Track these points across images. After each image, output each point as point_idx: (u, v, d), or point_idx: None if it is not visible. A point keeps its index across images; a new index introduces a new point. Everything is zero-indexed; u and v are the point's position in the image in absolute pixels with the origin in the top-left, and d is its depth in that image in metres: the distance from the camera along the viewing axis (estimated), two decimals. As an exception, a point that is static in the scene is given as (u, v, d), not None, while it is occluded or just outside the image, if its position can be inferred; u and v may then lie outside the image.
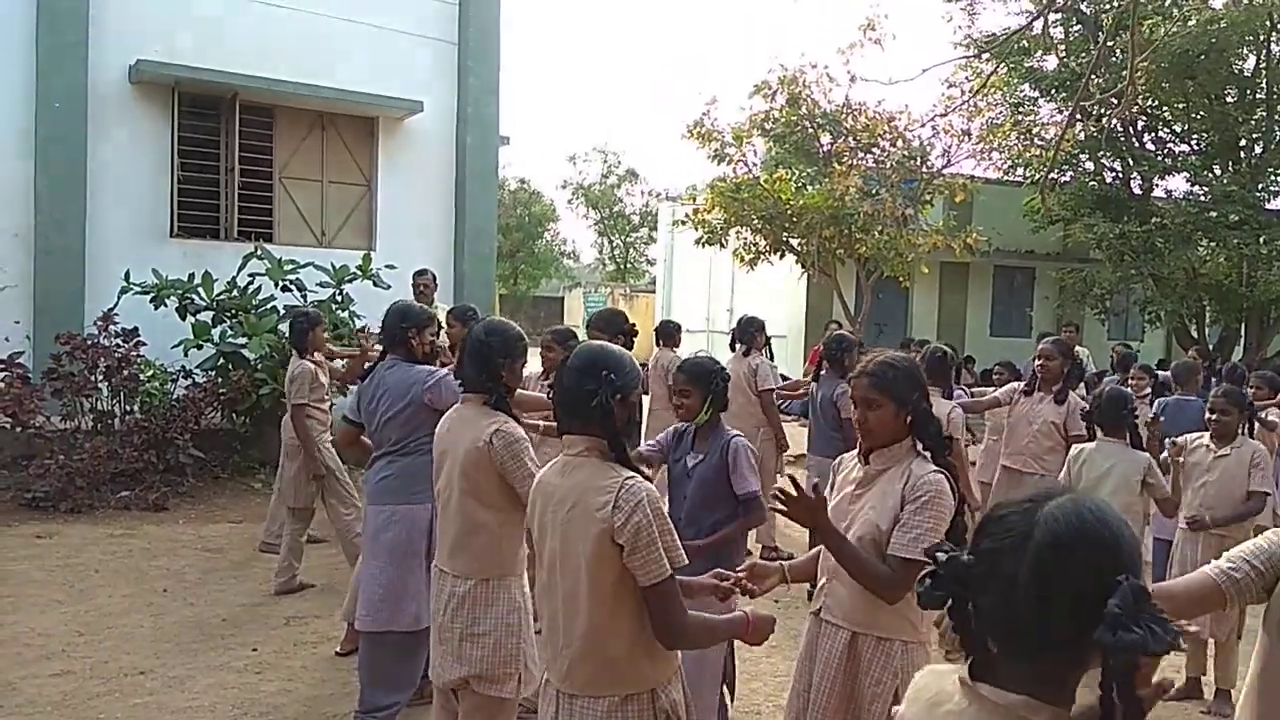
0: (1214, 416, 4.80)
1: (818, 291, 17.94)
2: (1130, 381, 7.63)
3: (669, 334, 8.29)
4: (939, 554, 1.31)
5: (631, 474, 2.23)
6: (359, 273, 9.07)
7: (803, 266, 14.88)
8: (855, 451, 2.81)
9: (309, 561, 6.18)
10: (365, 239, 10.66)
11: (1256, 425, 5.52)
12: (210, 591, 5.86)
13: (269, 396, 8.23)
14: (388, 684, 4.00)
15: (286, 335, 7.72)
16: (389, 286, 8.78)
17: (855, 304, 15.50)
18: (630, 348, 4.93)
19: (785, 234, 13.87)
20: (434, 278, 8.01)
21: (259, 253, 8.90)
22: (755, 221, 13.68)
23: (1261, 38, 15.22)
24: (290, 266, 8.89)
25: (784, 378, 13.83)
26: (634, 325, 5.24)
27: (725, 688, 3.56)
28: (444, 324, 6.61)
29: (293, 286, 8.87)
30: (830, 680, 2.63)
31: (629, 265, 42.87)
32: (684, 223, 15.01)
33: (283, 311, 8.64)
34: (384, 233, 10.68)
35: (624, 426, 2.33)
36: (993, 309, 20.64)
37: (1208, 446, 4.83)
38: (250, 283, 8.79)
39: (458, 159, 11.09)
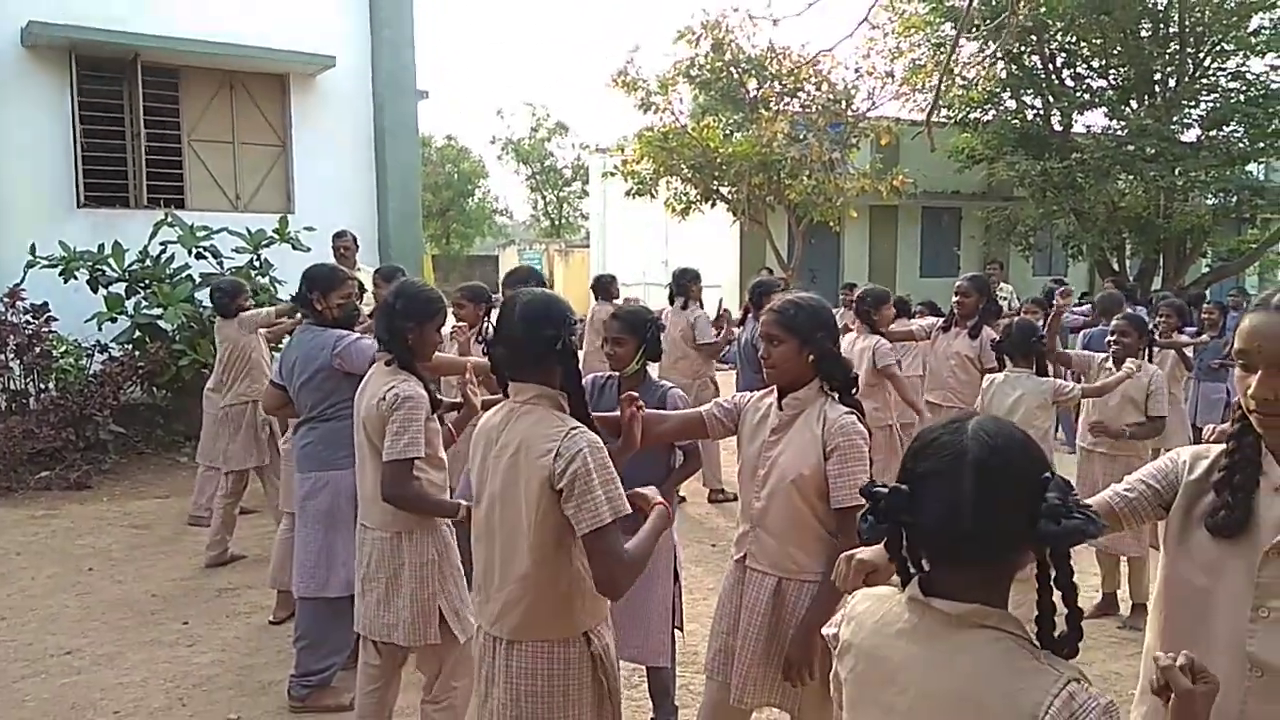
0: (1113, 339, 4.97)
1: (751, 240, 18.02)
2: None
3: (604, 287, 8.26)
4: (876, 490, 1.36)
5: (577, 424, 2.23)
6: (276, 236, 8.82)
7: (734, 215, 14.92)
8: (759, 394, 2.83)
9: (240, 532, 6.08)
10: (282, 201, 10.36)
11: (1160, 351, 5.72)
12: (138, 568, 5.73)
13: (189, 368, 8.01)
14: (323, 649, 3.98)
15: (205, 305, 7.51)
16: (309, 249, 8.55)
17: (788, 251, 15.59)
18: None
19: (715, 182, 13.87)
20: (354, 239, 7.83)
21: (170, 220, 8.59)
22: (685, 171, 13.65)
23: (1174, -28, 15.50)
24: (204, 233, 8.60)
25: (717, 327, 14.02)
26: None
27: (675, 629, 3.59)
28: (372, 285, 6.49)
29: (207, 254, 8.60)
30: (758, 626, 2.67)
31: (563, 221, 42.48)
32: (613, 174, 14.89)
33: (198, 280, 8.38)
34: (302, 194, 10.38)
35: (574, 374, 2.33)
36: (922, 250, 20.98)
37: (1108, 370, 4.99)
38: (163, 251, 8.49)
39: (375, 115, 10.79)
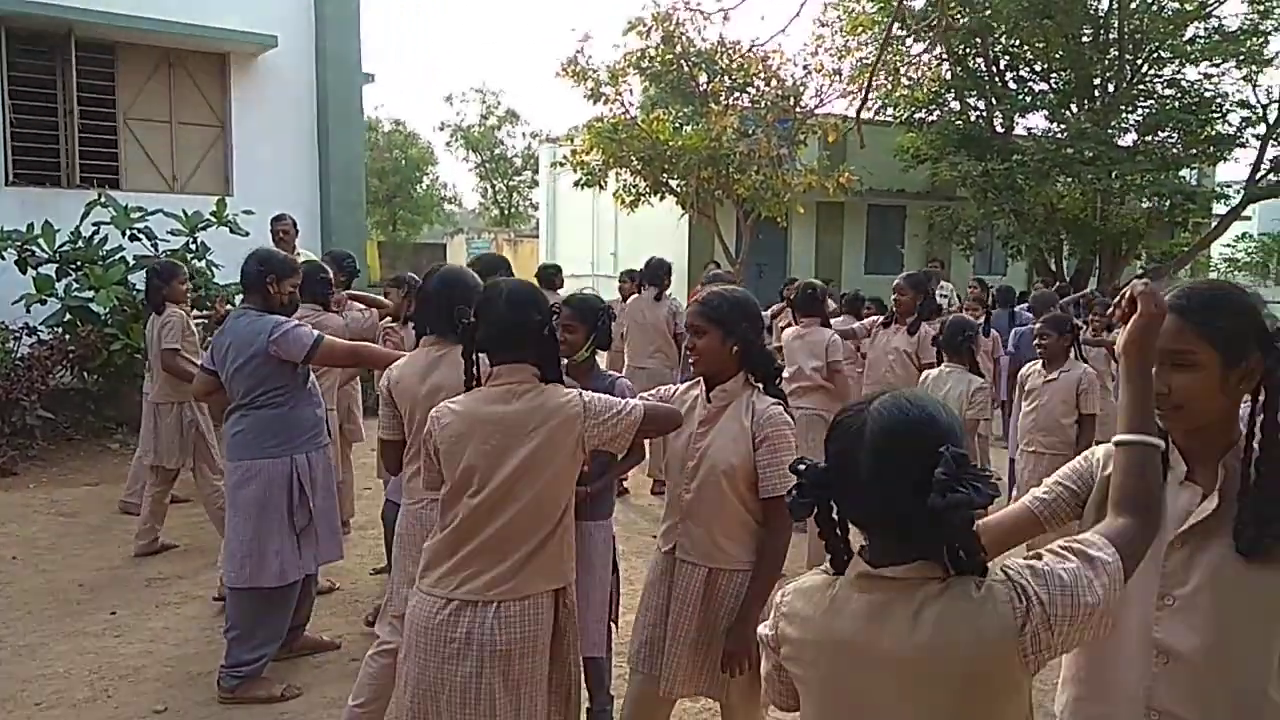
0: (1037, 341, 5.10)
1: (699, 233, 18.07)
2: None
3: (548, 278, 8.24)
4: (799, 467, 1.46)
5: (575, 388, 2.51)
6: (213, 219, 8.62)
7: (683, 207, 14.95)
8: (685, 385, 2.87)
9: (171, 522, 5.95)
10: (220, 183, 10.13)
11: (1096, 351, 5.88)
12: (65, 557, 5.58)
13: (121, 353, 7.80)
14: (254, 640, 3.92)
15: (138, 288, 7.31)
16: (247, 233, 8.38)
17: (736, 245, 15.69)
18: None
19: (664, 175, 13.88)
20: (294, 223, 7.68)
21: (103, 200, 8.35)
22: (634, 162, 13.64)
23: (1114, -21, 15.88)
24: (138, 214, 8.38)
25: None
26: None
27: (611, 621, 3.61)
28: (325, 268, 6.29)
29: (141, 235, 8.38)
30: (689, 617, 2.70)
31: (513, 210, 42.17)
32: (563, 164, 14.84)
33: (132, 262, 8.17)
34: (241, 177, 10.16)
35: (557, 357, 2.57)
36: (867, 247, 21.23)
37: (1039, 371, 5.13)
38: (95, 232, 8.25)
39: (318, 98, 10.61)
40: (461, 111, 41.01)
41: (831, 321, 6.21)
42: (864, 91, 8.82)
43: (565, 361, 3.56)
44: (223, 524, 4.47)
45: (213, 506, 5.56)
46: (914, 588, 1.38)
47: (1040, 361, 5.17)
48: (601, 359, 3.86)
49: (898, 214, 21.17)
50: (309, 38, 10.52)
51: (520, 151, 41.24)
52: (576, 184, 14.43)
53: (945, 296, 13.43)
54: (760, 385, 2.74)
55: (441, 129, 41.00)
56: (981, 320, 8.15)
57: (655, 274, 7.43)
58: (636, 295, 7.63)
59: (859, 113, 8.50)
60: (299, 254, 7.29)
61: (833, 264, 20.58)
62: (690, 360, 2.79)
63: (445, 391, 2.85)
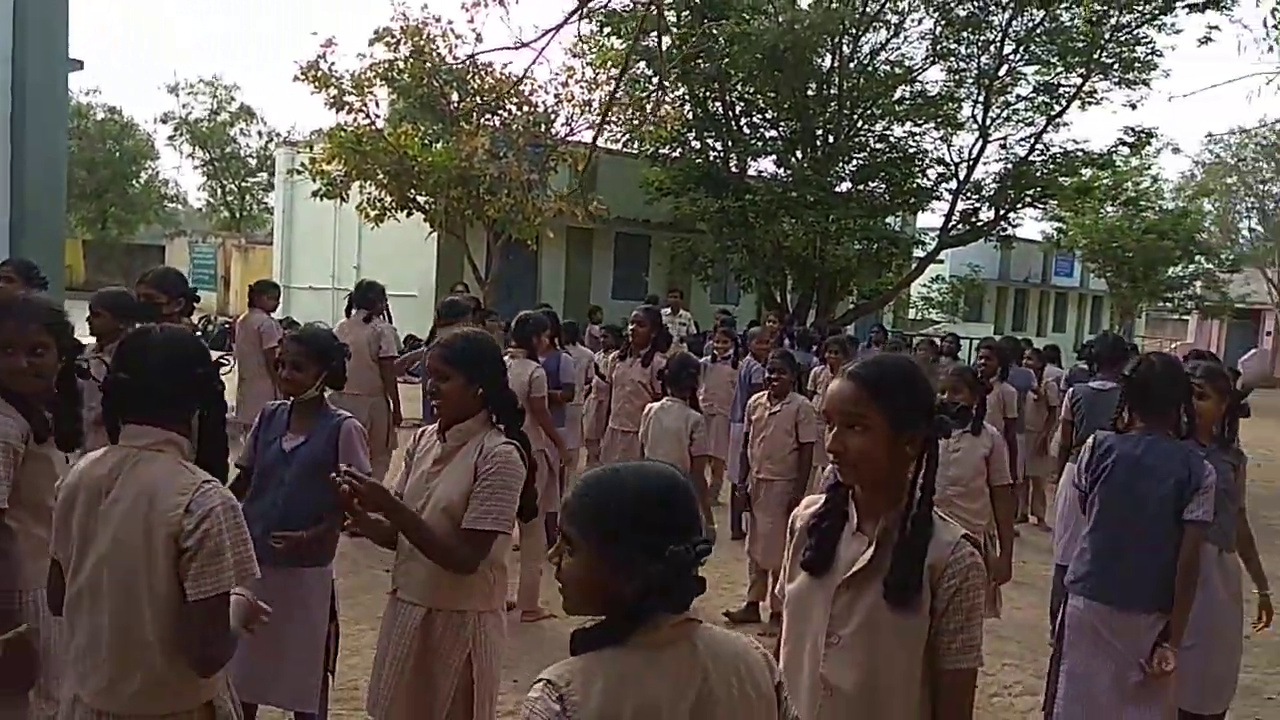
0: (771, 376, 5.51)
1: (449, 251, 17.79)
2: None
3: (263, 294, 7.76)
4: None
5: (210, 478, 2.08)
6: None
7: (431, 225, 14.67)
8: (435, 426, 2.84)
9: None
10: (-116, 170, 8.70)
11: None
12: None
13: None
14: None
15: None
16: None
17: (485, 265, 15.60)
18: (190, 312, 4.50)
19: (412, 190, 13.55)
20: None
21: None
22: (380, 176, 13.19)
23: (835, 40, 17.48)
24: None
25: (411, 338, 13.68)
26: (195, 289, 4.67)
27: (327, 670, 3.43)
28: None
29: None
30: (402, 659, 2.67)
31: (245, 213, 39.43)
32: (300, 172, 14.08)
33: None
34: (-89, 163, 8.78)
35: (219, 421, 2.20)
36: (615, 273, 21.88)
37: (764, 405, 5.53)
38: None
39: (14, 82, 9.38)
40: (189, 104, 37.76)
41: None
42: (600, 119, 9.11)
43: (291, 399, 3.39)
44: None
45: None
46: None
47: (766, 394, 5.57)
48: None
49: (644, 243, 22.00)
50: (5, 18, 9.29)
51: (255, 151, 38.72)
52: (315, 194, 13.74)
53: (684, 324, 14.11)
54: (502, 426, 2.76)
55: (164, 121, 37.56)
56: (730, 352, 8.59)
57: (364, 296, 7.04)
58: (345, 319, 7.31)
59: (594, 140, 8.79)
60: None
61: (582, 288, 21.01)
62: (433, 404, 2.75)
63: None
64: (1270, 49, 6.74)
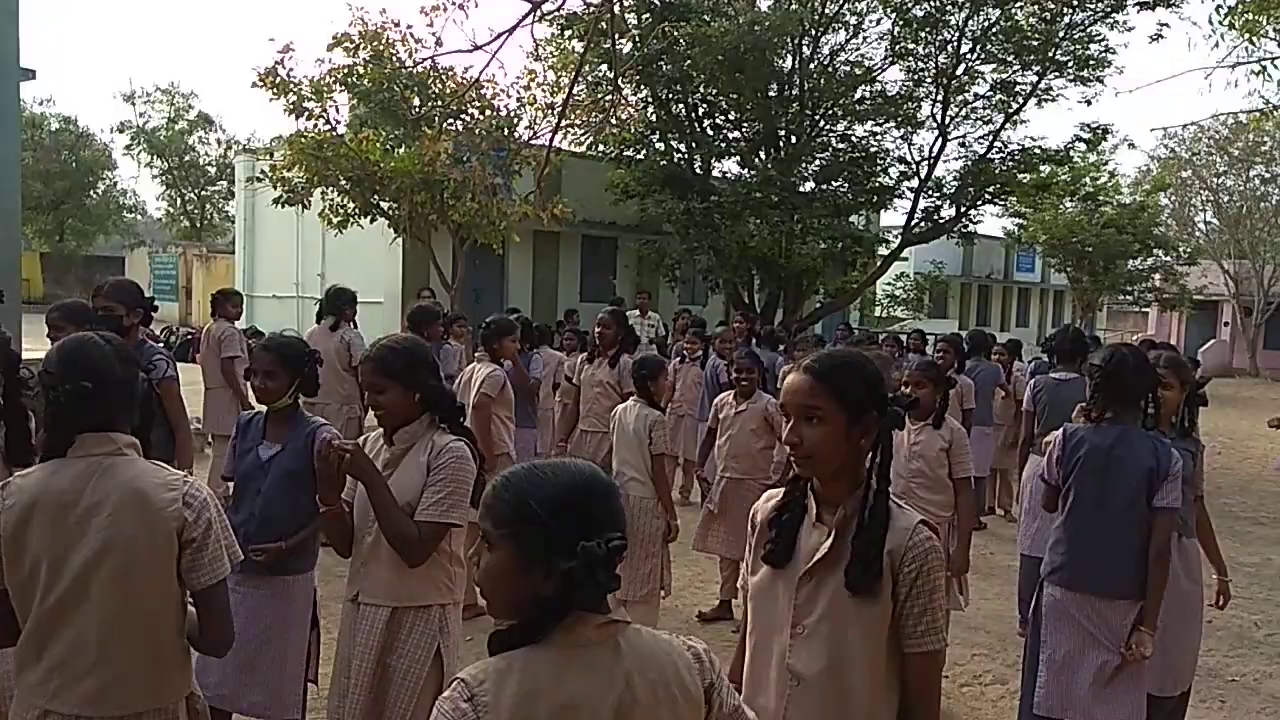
0: (739, 376, 5.53)
1: (414, 258, 17.68)
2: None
3: (226, 302, 7.68)
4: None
5: (186, 471, 2.19)
6: None
7: (395, 231, 14.57)
8: (379, 431, 2.87)
9: None
10: None
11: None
12: None
13: None
14: None
15: None
16: None
17: (452, 270, 15.52)
18: (149, 323, 4.45)
19: (375, 196, 13.45)
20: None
21: None
22: (342, 182, 13.08)
23: (795, 41, 17.61)
24: None
25: (377, 345, 13.57)
26: (152, 300, 4.60)
27: (309, 680, 3.40)
28: None
29: None
30: (370, 660, 2.68)
31: (205, 222, 38.93)
32: (261, 179, 13.92)
33: None
34: None
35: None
36: (582, 276, 21.87)
37: (730, 403, 5.55)
38: None
39: (-37, 91, 9.22)
40: (146, 113, 37.22)
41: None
42: (557, 121, 9.13)
43: (265, 408, 3.36)
44: None
45: None
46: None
47: (732, 393, 5.59)
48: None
49: (610, 245, 22.00)
50: (-49, 22, 9.13)
51: (215, 159, 38.28)
52: (276, 201, 13.59)
53: (653, 326, 14.15)
54: (445, 425, 2.79)
55: (121, 130, 37.00)
56: (700, 352, 8.62)
57: (334, 303, 7.04)
58: (315, 326, 7.27)
59: (551, 140, 8.81)
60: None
61: (549, 292, 20.98)
62: (377, 416, 2.78)
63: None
64: (1216, 45, 6.90)
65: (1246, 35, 6.74)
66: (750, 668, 2.02)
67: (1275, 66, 7.09)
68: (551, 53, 15.57)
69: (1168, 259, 30.25)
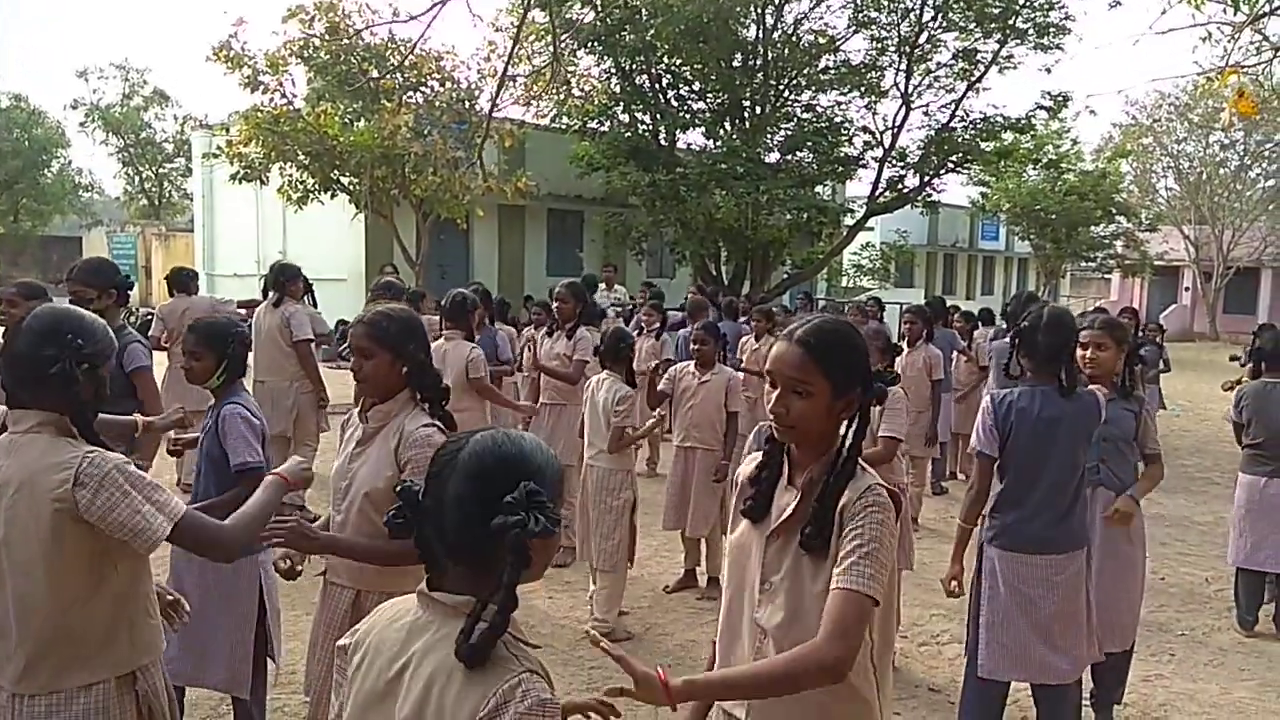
0: (695, 346, 5.55)
1: (376, 233, 17.49)
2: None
3: (182, 282, 7.57)
4: (401, 487, 1.51)
5: (94, 448, 2.05)
6: None
7: (357, 206, 14.41)
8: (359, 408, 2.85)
9: None
10: None
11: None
12: None
13: None
14: None
15: None
16: None
17: (415, 246, 15.37)
18: (125, 301, 4.38)
19: (335, 172, 13.28)
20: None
21: None
22: (300, 157, 12.91)
23: (759, 10, 17.50)
24: None
25: (343, 323, 13.44)
26: (127, 277, 4.55)
27: (269, 657, 3.39)
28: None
29: None
30: (333, 639, 2.64)
31: (164, 200, 38.22)
32: (218, 155, 13.68)
33: None
34: None
35: (90, 401, 2.13)
36: (548, 250, 21.76)
37: (692, 373, 5.57)
38: None
39: (-98, 67, 8.93)
40: (99, 89, 36.35)
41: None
42: (497, 88, 8.94)
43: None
44: None
45: None
46: (456, 618, 1.42)
47: (693, 363, 5.60)
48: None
49: (576, 219, 21.88)
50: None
51: (172, 136, 37.53)
52: (233, 178, 13.38)
53: (619, 298, 14.12)
54: (427, 405, 2.74)
55: (75, 108, 36.16)
56: (657, 326, 8.71)
57: (277, 278, 6.79)
58: (261, 303, 7.11)
59: (491, 108, 8.64)
60: None
61: (516, 266, 20.86)
62: (357, 382, 2.73)
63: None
64: (1169, 7, 6.95)
65: (1194, 4, 6.82)
66: (726, 619, 2.07)
67: (1220, 31, 7.17)
68: (511, 23, 15.36)
69: (1129, 225, 30.59)
